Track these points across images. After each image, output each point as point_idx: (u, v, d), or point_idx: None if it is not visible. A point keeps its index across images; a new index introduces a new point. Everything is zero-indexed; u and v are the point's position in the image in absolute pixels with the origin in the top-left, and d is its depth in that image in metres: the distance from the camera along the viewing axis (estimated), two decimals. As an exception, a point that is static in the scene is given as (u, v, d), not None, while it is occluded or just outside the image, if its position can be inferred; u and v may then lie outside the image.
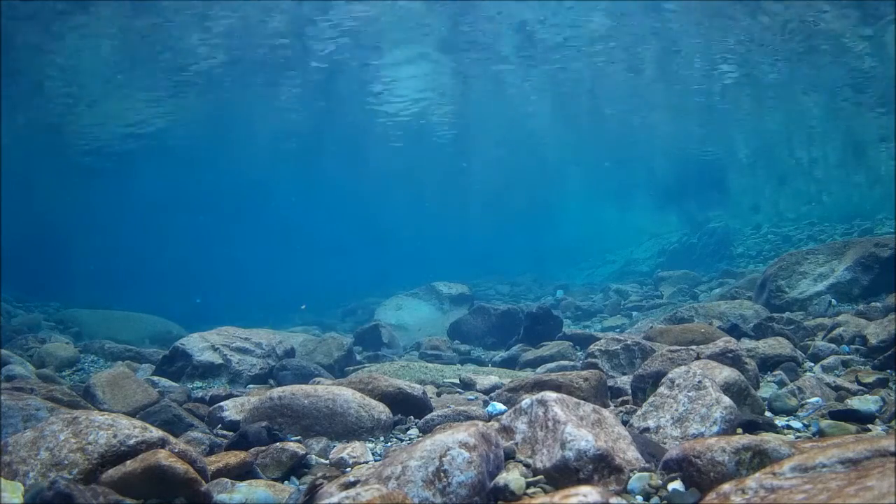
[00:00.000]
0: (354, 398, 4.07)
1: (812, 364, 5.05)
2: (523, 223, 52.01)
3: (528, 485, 2.64)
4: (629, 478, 2.67)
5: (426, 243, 47.39)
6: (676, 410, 3.33)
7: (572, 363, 6.28)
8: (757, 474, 2.20)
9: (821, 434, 3.39)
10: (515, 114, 23.26)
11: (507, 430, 3.07)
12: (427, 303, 14.14)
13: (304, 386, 4.22)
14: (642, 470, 2.74)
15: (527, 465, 2.82)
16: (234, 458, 3.13)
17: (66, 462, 2.72)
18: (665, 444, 3.18)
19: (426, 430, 3.96)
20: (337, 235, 45.61)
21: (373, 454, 3.62)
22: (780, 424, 3.62)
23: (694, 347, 4.48)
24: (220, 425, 4.41)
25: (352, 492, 2.21)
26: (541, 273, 25.29)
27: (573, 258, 32.44)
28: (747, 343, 5.41)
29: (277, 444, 3.42)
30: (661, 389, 3.52)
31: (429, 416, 4.14)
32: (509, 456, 2.91)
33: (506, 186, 42.26)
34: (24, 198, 31.54)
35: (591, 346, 5.70)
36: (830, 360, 4.91)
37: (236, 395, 5.39)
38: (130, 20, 13.21)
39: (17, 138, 21.64)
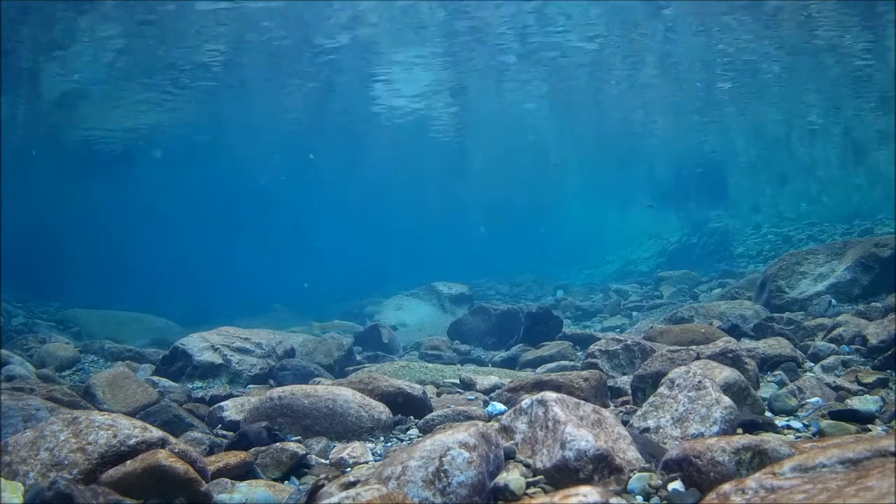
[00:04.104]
0: (354, 398, 4.07)
1: (812, 364, 5.05)
2: (523, 223, 52.01)
3: (529, 485, 2.64)
4: (629, 478, 2.67)
5: (426, 243, 47.37)
6: (676, 410, 3.33)
7: (572, 363, 6.27)
8: (757, 474, 2.20)
9: (821, 434, 3.39)
10: (516, 113, 23.27)
11: (507, 431, 3.07)
12: (427, 303, 14.14)
13: (304, 386, 4.22)
14: (642, 470, 2.74)
15: (527, 465, 2.82)
16: (234, 458, 3.13)
17: (66, 462, 2.72)
18: (665, 444, 3.18)
19: (426, 431, 3.96)
20: (336, 235, 45.61)
21: (373, 454, 3.62)
22: (780, 424, 3.62)
23: (694, 347, 4.47)
24: (220, 425, 4.41)
25: (352, 492, 2.21)
26: (541, 273, 25.28)
27: (573, 258, 32.45)
28: (747, 343, 5.41)
29: (277, 444, 3.42)
30: (661, 389, 3.52)
31: (429, 417, 4.14)
32: (509, 456, 2.91)
33: (506, 186, 42.25)
34: (23, 198, 31.53)
35: (591, 346, 5.70)
36: (830, 360, 4.91)
37: (236, 395, 5.39)
38: (131, 19, 13.21)
39: (18, 138, 21.64)
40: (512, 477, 2.58)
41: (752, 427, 3.42)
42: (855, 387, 4.26)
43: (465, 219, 50.39)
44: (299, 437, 3.87)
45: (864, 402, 3.86)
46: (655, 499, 2.58)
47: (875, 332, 5.11)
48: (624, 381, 4.85)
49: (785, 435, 3.47)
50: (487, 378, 5.59)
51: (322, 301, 20.24)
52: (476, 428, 2.66)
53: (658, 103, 22.00)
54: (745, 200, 32.79)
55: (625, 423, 3.45)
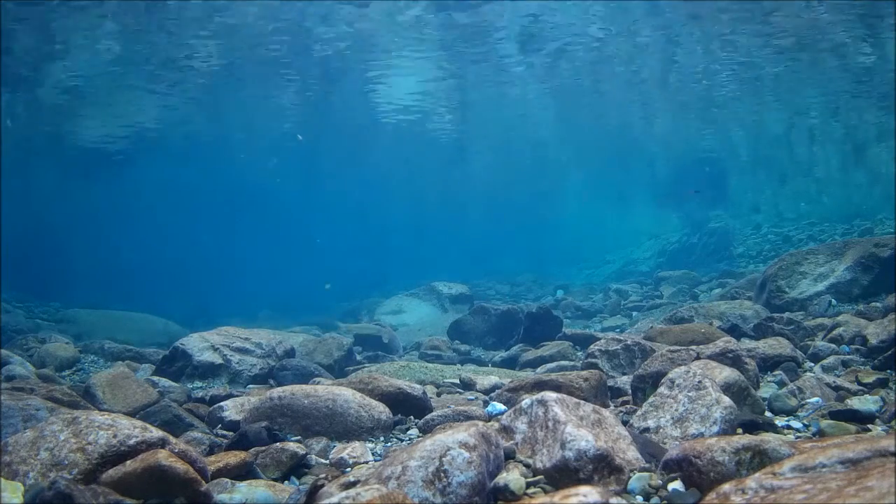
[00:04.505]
0: (354, 398, 4.07)
1: (812, 364, 5.05)
2: (523, 223, 52.01)
3: (529, 485, 2.64)
4: (629, 478, 2.67)
5: (426, 243, 47.38)
6: (676, 410, 3.33)
7: (572, 363, 6.28)
8: (757, 474, 2.20)
9: (821, 434, 3.39)
10: (516, 114, 23.27)
11: (507, 431, 3.07)
12: (427, 303, 14.14)
13: (304, 386, 4.22)
14: (642, 470, 2.74)
15: (527, 465, 2.82)
16: (234, 458, 3.13)
17: (67, 462, 2.72)
18: (665, 444, 3.18)
19: (426, 430, 3.96)
20: (337, 235, 45.63)
21: (373, 454, 3.62)
22: (780, 424, 3.62)
23: (694, 347, 4.47)
24: (220, 425, 4.41)
25: (352, 492, 2.21)
26: (541, 273, 25.28)
27: (573, 258, 32.46)
28: (747, 343, 5.41)
29: (277, 444, 3.42)
30: (661, 389, 3.52)
31: (429, 416, 4.14)
32: (509, 456, 2.91)
33: (506, 186, 42.25)
34: (23, 197, 31.53)
35: (591, 346, 5.70)
36: (830, 360, 4.91)
37: (236, 395, 5.39)
38: (131, 19, 13.21)
39: (17, 138, 21.64)
40: (512, 477, 2.58)
41: (752, 427, 3.42)
42: (855, 387, 4.26)
43: (465, 219, 50.42)
44: (299, 437, 3.87)
45: (864, 402, 3.86)
46: (655, 499, 2.58)
47: (875, 332, 5.11)
48: (624, 381, 4.85)
49: (785, 435, 3.47)
50: (487, 378, 5.59)
51: (322, 301, 20.25)
52: (476, 428, 2.66)
53: (658, 103, 22.00)
54: (745, 200, 32.82)
55: (625, 423, 3.45)
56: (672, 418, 3.31)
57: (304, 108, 21.24)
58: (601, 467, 2.64)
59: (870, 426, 3.44)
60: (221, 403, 4.60)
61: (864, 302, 7.51)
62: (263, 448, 3.36)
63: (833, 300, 7.82)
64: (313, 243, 42.53)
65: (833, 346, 5.27)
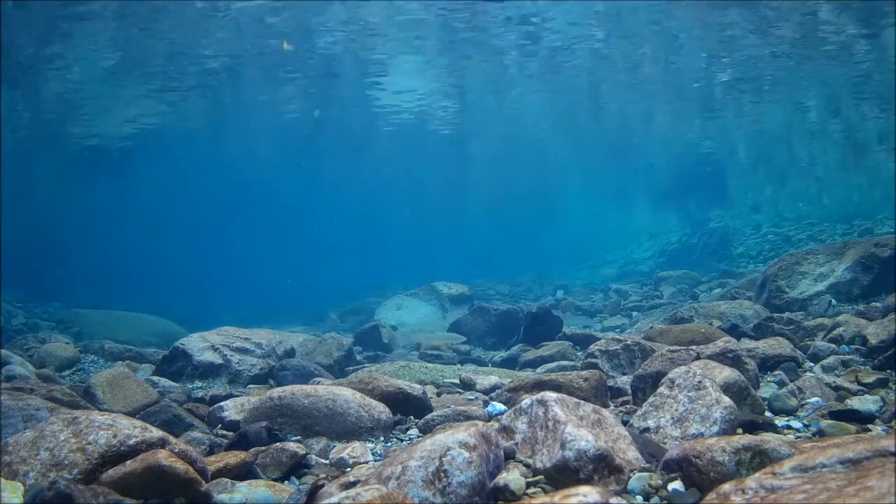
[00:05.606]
0: (354, 398, 4.07)
1: (812, 364, 5.05)
2: (523, 223, 51.99)
3: (528, 485, 2.64)
4: (629, 478, 2.67)
5: (426, 243, 47.37)
6: (676, 410, 3.33)
7: (572, 363, 6.27)
8: (757, 474, 2.21)
9: (821, 434, 3.39)
10: (515, 113, 23.27)
11: (507, 430, 3.07)
12: (427, 303, 14.12)
13: (304, 386, 4.22)
14: (642, 470, 2.74)
15: (527, 465, 2.82)
16: (234, 458, 3.13)
17: (67, 462, 2.72)
18: (665, 444, 3.18)
19: (426, 430, 3.96)
20: (337, 235, 45.61)
21: (373, 454, 3.62)
22: (780, 424, 3.62)
23: (694, 347, 4.47)
24: (220, 425, 4.41)
25: (352, 492, 2.21)
26: (541, 273, 25.27)
27: (573, 258, 32.45)
28: (747, 343, 5.40)
29: (277, 444, 3.42)
30: (661, 389, 3.52)
31: (429, 416, 4.14)
32: (509, 456, 2.91)
33: (506, 186, 42.25)
34: (24, 197, 31.52)
35: (591, 346, 5.69)
36: (830, 360, 4.91)
37: (236, 395, 5.39)
38: (131, 18, 13.21)
39: (18, 137, 21.65)
40: (512, 477, 2.58)
41: (752, 427, 3.42)
42: (855, 387, 4.26)
43: (465, 219, 50.42)
44: (299, 437, 3.87)
45: (864, 402, 3.86)
46: (655, 499, 2.58)
47: (875, 332, 5.11)
48: (624, 381, 4.85)
49: (785, 435, 3.47)
50: (487, 378, 5.59)
51: (321, 302, 20.25)
52: (476, 428, 2.66)
53: (658, 103, 22.00)
54: (745, 200, 32.78)
55: (625, 423, 3.45)
56: (672, 418, 3.31)
57: (304, 107, 21.23)
58: (601, 467, 2.64)
59: (870, 426, 3.44)
60: (221, 403, 4.60)
61: (864, 302, 7.50)
62: (263, 448, 3.36)
63: (833, 300, 7.81)
64: (312, 242, 42.49)
65: (833, 346, 5.27)
